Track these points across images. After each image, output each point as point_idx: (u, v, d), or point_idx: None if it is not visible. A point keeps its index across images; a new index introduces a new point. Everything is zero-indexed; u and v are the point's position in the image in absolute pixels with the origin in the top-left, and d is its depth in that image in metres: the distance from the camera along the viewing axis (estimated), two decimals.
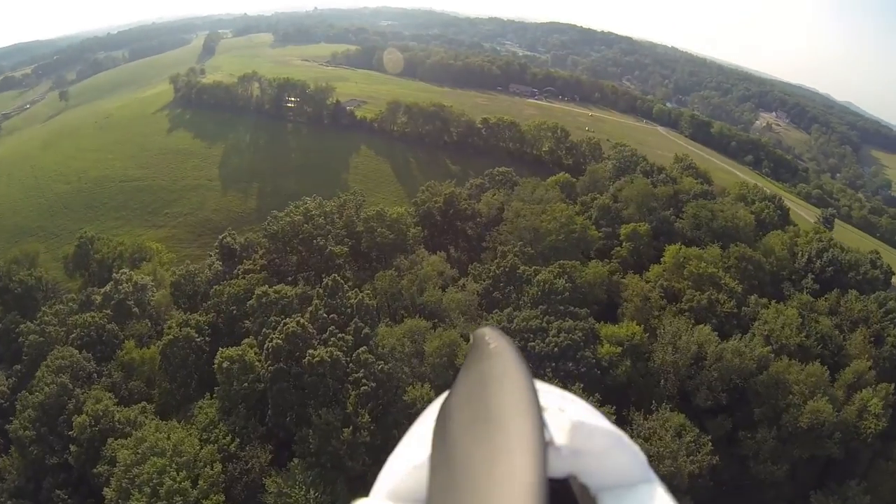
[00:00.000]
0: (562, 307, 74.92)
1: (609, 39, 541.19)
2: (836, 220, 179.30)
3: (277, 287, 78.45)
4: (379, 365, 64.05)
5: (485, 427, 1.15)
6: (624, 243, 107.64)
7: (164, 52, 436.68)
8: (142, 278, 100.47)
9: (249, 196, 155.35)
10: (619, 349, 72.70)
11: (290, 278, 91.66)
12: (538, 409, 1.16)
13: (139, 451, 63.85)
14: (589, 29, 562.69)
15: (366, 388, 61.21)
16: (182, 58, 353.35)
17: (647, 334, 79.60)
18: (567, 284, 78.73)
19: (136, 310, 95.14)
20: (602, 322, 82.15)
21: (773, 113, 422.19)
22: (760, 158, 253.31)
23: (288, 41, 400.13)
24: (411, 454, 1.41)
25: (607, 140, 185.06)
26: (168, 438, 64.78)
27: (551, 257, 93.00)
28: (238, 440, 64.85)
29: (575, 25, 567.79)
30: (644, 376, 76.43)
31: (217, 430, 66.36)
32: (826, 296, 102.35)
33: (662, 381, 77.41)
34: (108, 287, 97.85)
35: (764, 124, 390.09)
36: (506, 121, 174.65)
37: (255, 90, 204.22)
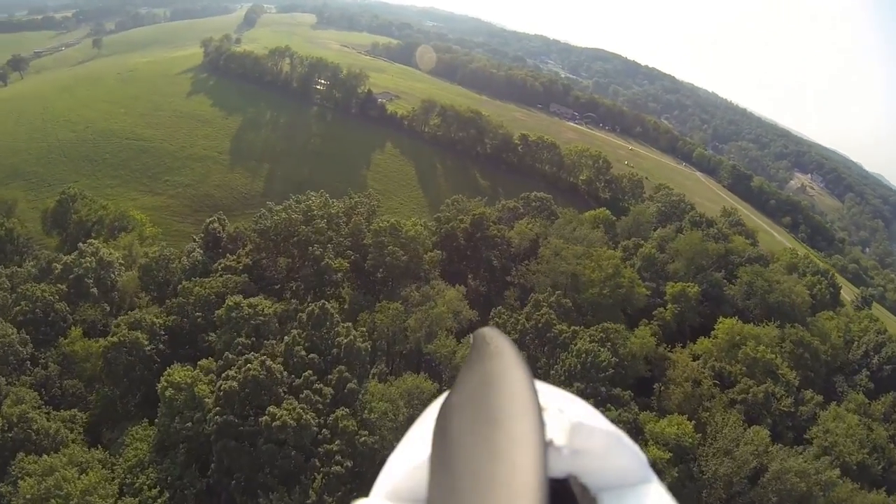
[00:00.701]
0: (604, 388, 58.70)
1: (652, 75, 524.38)
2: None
3: (255, 300, 62.46)
4: (362, 436, 47.97)
5: (485, 427, 1.14)
6: (669, 304, 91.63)
7: (206, 16, 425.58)
8: (109, 253, 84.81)
9: (257, 177, 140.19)
10: (668, 454, 56.13)
11: (275, 286, 75.64)
12: (538, 410, 1.15)
13: (42, 485, 48.52)
14: (633, 61, 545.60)
15: (339, 468, 44.97)
16: (222, 25, 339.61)
17: (697, 430, 63.41)
18: (611, 357, 62.37)
19: (94, 290, 79.47)
20: (636, 396, 66.70)
21: (809, 175, 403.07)
22: (798, 222, 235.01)
23: (330, 25, 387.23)
24: (411, 454, 1.39)
25: (646, 178, 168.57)
26: (80, 478, 49.12)
27: (590, 312, 76.99)
28: (167, 496, 48.91)
29: (619, 55, 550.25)
30: (689, 479, 60.24)
31: (144, 476, 50.50)
32: (881, 398, 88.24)
33: (706, 492, 61.14)
34: (70, 257, 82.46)
35: (798, 185, 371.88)
36: (546, 141, 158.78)
37: (286, 66, 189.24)
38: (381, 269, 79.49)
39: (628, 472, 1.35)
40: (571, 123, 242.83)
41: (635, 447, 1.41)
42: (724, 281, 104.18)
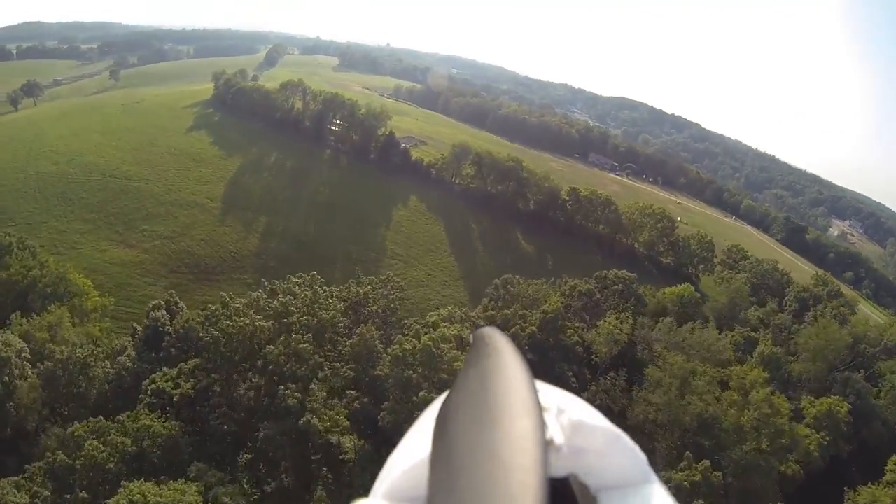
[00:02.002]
0: None
1: (679, 123, 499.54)
2: None
3: (155, 491, 31.81)
4: None
5: (485, 427, 1.12)
6: (812, 432, 60.48)
7: (230, 56, 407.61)
8: (14, 342, 55.73)
9: (251, 231, 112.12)
10: None
11: (222, 452, 44.41)
12: (538, 409, 1.13)
13: None
14: (659, 109, 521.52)
15: None
16: (243, 63, 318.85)
17: None
18: None
19: None
20: None
21: (847, 221, 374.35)
22: (861, 277, 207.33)
23: (353, 67, 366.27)
24: (411, 454, 1.36)
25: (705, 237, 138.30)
26: None
27: (741, 473, 46.19)
28: None
29: (644, 103, 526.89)
30: None
31: None
32: None
33: None
34: None
35: (839, 232, 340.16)
36: (601, 196, 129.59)
37: (297, 103, 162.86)
38: (404, 424, 47.13)
39: (628, 471, 1.32)
40: (612, 175, 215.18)
41: (635, 447, 1.38)
42: (868, 385, 74.18)
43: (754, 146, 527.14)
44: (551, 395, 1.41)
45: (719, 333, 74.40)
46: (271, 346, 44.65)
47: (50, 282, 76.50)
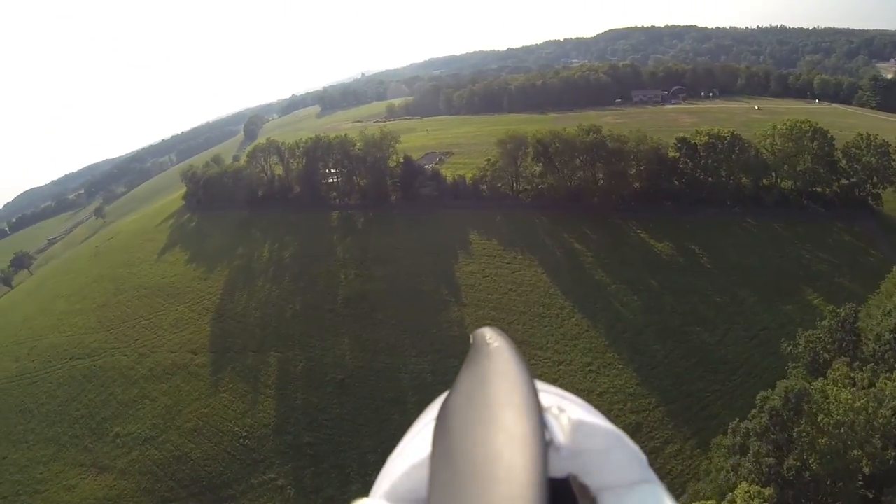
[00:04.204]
0: None
1: (676, 32, 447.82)
2: None
3: None
4: None
5: (485, 426, 1.08)
6: None
7: (209, 147, 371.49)
8: None
9: (261, 387, 69.88)
10: None
11: None
12: (539, 409, 1.10)
13: None
14: (652, 27, 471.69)
15: None
16: (224, 150, 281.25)
17: None
18: None
19: None
20: None
21: (892, 60, 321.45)
22: None
23: (335, 107, 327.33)
24: (412, 454, 1.30)
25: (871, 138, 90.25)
26: None
27: None
28: None
29: (636, 27, 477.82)
30: None
31: None
32: None
33: None
34: None
35: (891, 74, 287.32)
36: (724, 136, 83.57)
37: (278, 169, 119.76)
38: None
39: (629, 471, 1.27)
40: (671, 105, 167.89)
41: (636, 447, 1.32)
42: None
43: (754, 25, 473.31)
44: (551, 394, 1.37)
45: None
46: None
47: None
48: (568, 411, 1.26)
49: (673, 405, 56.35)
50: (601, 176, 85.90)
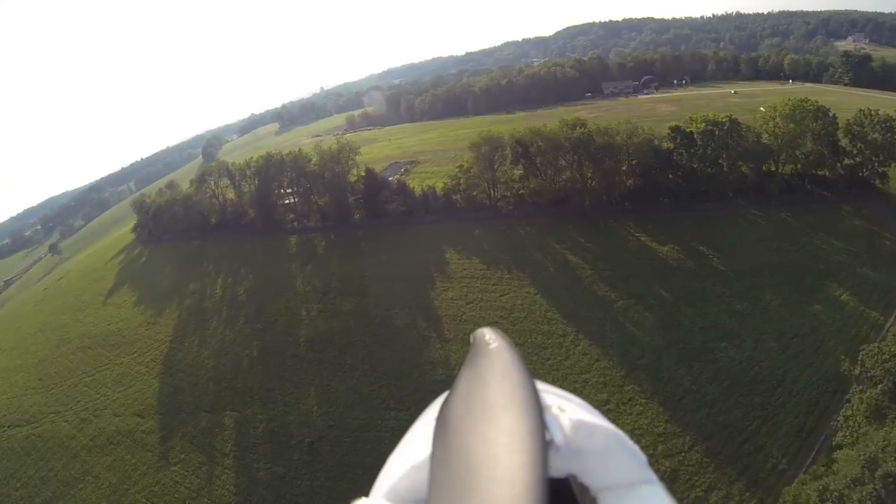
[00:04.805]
0: None
1: (634, 25, 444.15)
2: None
3: None
4: None
5: (485, 426, 1.07)
6: None
7: (168, 174, 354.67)
8: None
9: (218, 458, 57.71)
10: None
11: None
12: (539, 409, 1.09)
13: None
14: (609, 21, 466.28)
15: None
16: (181, 175, 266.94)
17: None
18: None
19: None
20: None
21: (849, 38, 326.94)
22: None
23: (294, 123, 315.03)
24: (411, 453, 1.29)
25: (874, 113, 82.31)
26: None
27: None
28: None
29: (594, 22, 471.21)
30: None
31: None
32: None
33: None
34: None
35: (846, 50, 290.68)
36: (722, 121, 74.31)
37: (228, 191, 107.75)
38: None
39: (629, 471, 1.25)
40: (645, 95, 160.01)
41: (636, 447, 1.31)
42: None
43: (709, 13, 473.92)
44: (551, 394, 1.36)
45: None
46: None
47: None
48: (568, 411, 1.26)
49: (710, 442, 46.24)
50: (590, 175, 75.66)
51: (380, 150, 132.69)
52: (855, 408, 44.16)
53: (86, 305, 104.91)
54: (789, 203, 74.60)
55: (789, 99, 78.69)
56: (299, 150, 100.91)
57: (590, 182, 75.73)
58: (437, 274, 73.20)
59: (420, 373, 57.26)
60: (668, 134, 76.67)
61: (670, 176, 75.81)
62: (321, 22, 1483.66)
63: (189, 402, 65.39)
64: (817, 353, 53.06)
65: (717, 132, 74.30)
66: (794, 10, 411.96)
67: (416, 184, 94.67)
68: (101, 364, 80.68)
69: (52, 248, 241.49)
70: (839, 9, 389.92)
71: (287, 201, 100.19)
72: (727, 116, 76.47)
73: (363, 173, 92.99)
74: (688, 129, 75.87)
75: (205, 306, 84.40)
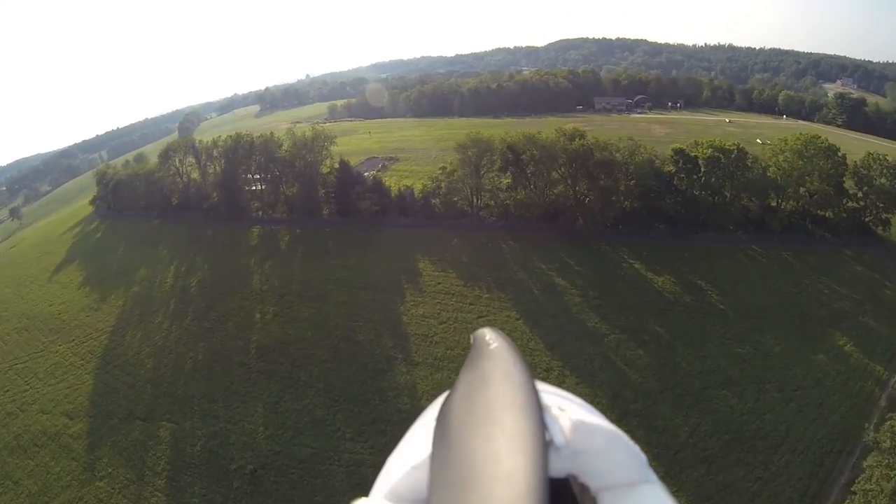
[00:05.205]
0: None
1: (627, 45, 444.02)
2: None
3: None
4: None
5: (485, 427, 1.07)
6: None
7: (143, 145, 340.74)
8: None
9: (149, 490, 49.48)
10: None
11: None
12: (539, 409, 1.08)
13: None
14: (603, 38, 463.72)
15: None
16: (154, 149, 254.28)
17: None
18: None
19: None
20: None
21: (838, 82, 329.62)
22: None
23: (276, 107, 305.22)
24: (412, 454, 1.28)
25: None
26: None
27: None
28: None
29: (588, 38, 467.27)
30: None
31: None
32: None
33: None
34: None
35: (833, 93, 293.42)
36: (730, 149, 69.13)
37: (193, 171, 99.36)
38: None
39: (629, 471, 1.23)
40: (638, 115, 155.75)
41: (635, 447, 1.29)
42: None
43: (702, 42, 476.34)
44: (551, 395, 1.35)
45: None
46: None
47: None
48: (568, 411, 1.26)
49: None
50: (585, 192, 69.22)
51: (358, 142, 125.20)
52: (875, 482, 39.16)
53: (31, 280, 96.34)
54: (790, 242, 70.21)
55: (801, 134, 74.15)
56: (271, 133, 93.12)
57: (584, 199, 69.37)
58: (409, 286, 66.05)
59: (382, 399, 50.05)
60: (671, 157, 70.85)
61: (669, 201, 69.96)
62: (312, 9, 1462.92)
63: (123, 407, 57.35)
64: (822, 408, 47.82)
65: (722, 160, 68.68)
66: (785, 48, 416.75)
67: (392, 182, 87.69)
68: (36, 350, 72.04)
69: (13, 213, 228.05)
70: (829, 52, 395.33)
71: (254, 188, 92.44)
72: (735, 144, 71.10)
73: (337, 165, 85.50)
74: (692, 154, 70.15)
75: (153, 296, 76.26)
